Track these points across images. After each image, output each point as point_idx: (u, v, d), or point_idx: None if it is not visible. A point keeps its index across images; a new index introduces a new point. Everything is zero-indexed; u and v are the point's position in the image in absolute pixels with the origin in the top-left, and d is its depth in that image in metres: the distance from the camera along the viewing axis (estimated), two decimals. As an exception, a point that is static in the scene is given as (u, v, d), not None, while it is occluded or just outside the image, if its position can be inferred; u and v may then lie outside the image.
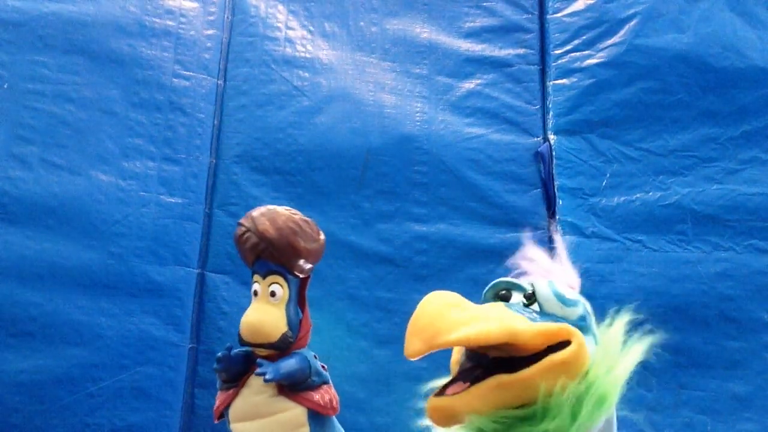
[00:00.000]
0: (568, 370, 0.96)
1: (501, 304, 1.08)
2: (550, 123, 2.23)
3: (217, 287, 2.05)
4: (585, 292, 2.15)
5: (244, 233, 1.47)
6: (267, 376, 1.37)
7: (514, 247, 2.12)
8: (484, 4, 2.39)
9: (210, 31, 2.27)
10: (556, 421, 0.94)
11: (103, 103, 2.12)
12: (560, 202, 2.14)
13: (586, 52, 2.27)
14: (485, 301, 1.16)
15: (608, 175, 2.17)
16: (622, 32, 2.27)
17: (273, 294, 1.47)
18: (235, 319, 2.01)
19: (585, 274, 2.05)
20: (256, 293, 1.49)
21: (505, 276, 1.21)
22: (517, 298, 1.14)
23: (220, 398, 1.49)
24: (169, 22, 2.24)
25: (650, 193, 2.14)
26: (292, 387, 1.44)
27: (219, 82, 2.24)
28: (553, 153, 2.19)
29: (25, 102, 2.06)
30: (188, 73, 2.21)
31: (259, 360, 1.42)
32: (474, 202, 2.17)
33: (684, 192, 2.14)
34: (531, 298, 1.11)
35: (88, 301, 1.92)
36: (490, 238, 2.12)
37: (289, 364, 1.45)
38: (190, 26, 2.26)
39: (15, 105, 2.05)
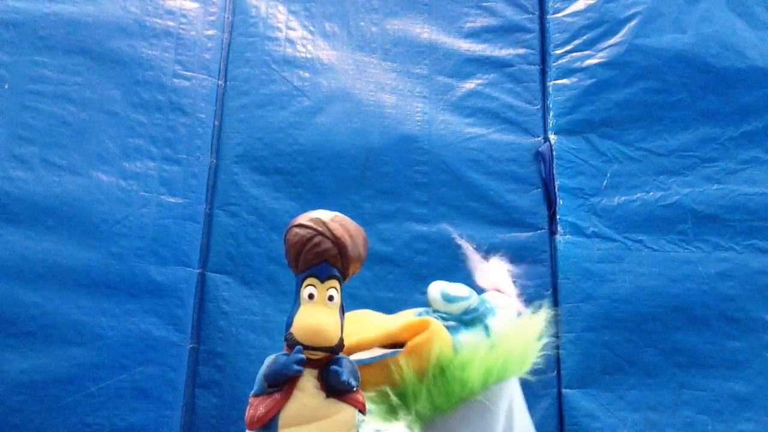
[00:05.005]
0: (421, 351, 1.19)
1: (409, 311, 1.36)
2: (551, 123, 2.23)
3: (217, 287, 2.05)
4: (586, 292, 2.17)
5: (312, 237, 1.46)
6: (353, 382, 1.40)
7: (515, 247, 2.14)
8: (485, 4, 2.39)
9: (210, 32, 2.27)
10: (421, 401, 1.17)
11: (103, 104, 2.12)
12: (561, 202, 2.14)
13: (587, 52, 2.27)
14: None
15: (609, 174, 2.17)
16: (622, 32, 2.28)
17: (331, 298, 1.47)
18: (236, 319, 2.03)
19: (585, 274, 2.07)
20: (312, 296, 1.47)
21: None
22: None
23: (265, 404, 1.43)
24: (170, 23, 2.24)
25: (651, 193, 2.15)
26: (341, 390, 1.44)
27: (219, 82, 2.24)
28: (554, 153, 2.19)
29: (26, 102, 2.06)
30: (189, 73, 2.21)
31: (334, 367, 1.42)
32: (474, 202, 2.17)
33: (684, 192, 2.14)
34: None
35: (88, 301, 1.92)
36: (491, 238, 2.12)
37: (353, 366, 1.49)
38: (191, 26, 2.26)
39: (15, 105, 2.04)
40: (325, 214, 1.51)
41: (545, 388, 1.95)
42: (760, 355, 1.99)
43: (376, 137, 2.21)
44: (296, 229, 1.50)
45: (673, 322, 2.03)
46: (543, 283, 2.09)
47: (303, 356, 1.42)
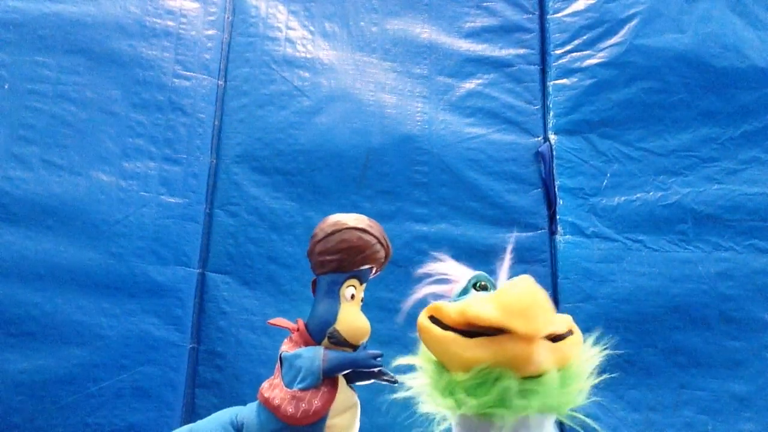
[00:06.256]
0: (578, 346, 1.20)
1: None
2: (551, 123, 2.23)
3: (217, 287, 2.05)
4: (586, 292, 2.17)
5: (374, 244, 1.51)
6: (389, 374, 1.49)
7: (515, 247, 2.13)
8: (485, 4, 2.39)
9: (210, 32, 2.27)
10: (571, 387, 1.14)
11: (103, 104, 2.12)
12: (561, 202, 2.14)
13: (587, 52, 2.27)
14: (466, 289, 1.35)
15: (609, 174, 2.17)
16: (622, 32, 2.28)
17: (362, 300, 1.56)
18: (236, 319, 2.03)
19: (585, 274, 2.07)
20: (353, 297, 1.53)
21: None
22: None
23: (318, 397, 1.45)
24: (170, 23, 2.24)
25: (651, 193, 2.15)
26: (353, 379, 1.53)
27: (219, 82, 2.24)
28: (554, 153, 2.19)
29: (26, 102, 2.06)
30: (189, 73, 2.21)
31: (382, 368, 1.50)
32: (474, 202, 2.17)
33: (684, 192, 2.14)
34: None
35: (88, 301, 1.92)
36: (491, 238, 2.12)
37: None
38: (191, 26, 2.26)
39: (15, 105, 2.05)
40: (372, 221, 1.55)
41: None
42: (760, 355, 1.99)
43: (376, 137, 2.21)
44: (359, 233, 1.51)
45: (673, 322, 2.03)
46: (543, 283, 2.09)
47: (380, 353, 1.49)
